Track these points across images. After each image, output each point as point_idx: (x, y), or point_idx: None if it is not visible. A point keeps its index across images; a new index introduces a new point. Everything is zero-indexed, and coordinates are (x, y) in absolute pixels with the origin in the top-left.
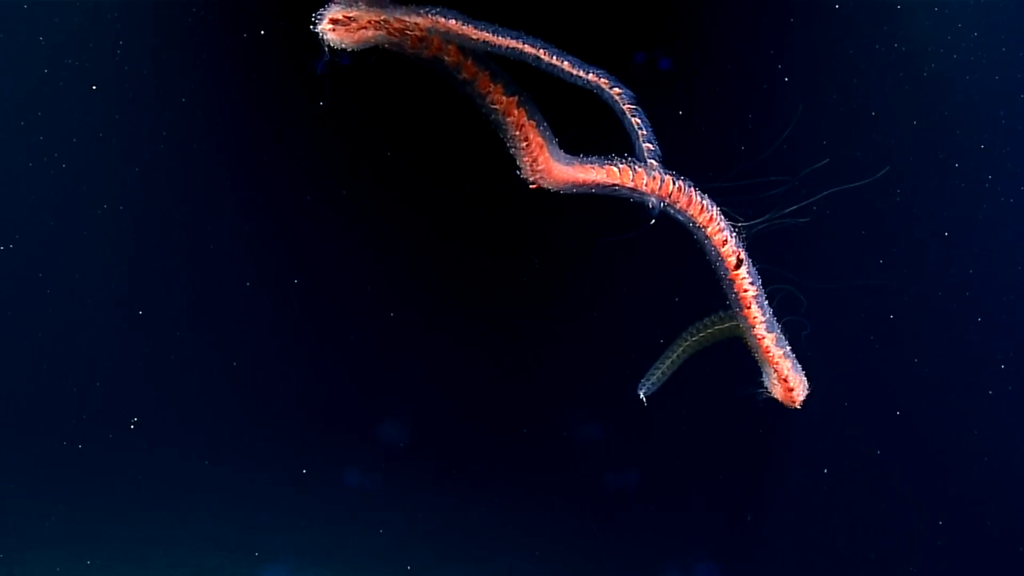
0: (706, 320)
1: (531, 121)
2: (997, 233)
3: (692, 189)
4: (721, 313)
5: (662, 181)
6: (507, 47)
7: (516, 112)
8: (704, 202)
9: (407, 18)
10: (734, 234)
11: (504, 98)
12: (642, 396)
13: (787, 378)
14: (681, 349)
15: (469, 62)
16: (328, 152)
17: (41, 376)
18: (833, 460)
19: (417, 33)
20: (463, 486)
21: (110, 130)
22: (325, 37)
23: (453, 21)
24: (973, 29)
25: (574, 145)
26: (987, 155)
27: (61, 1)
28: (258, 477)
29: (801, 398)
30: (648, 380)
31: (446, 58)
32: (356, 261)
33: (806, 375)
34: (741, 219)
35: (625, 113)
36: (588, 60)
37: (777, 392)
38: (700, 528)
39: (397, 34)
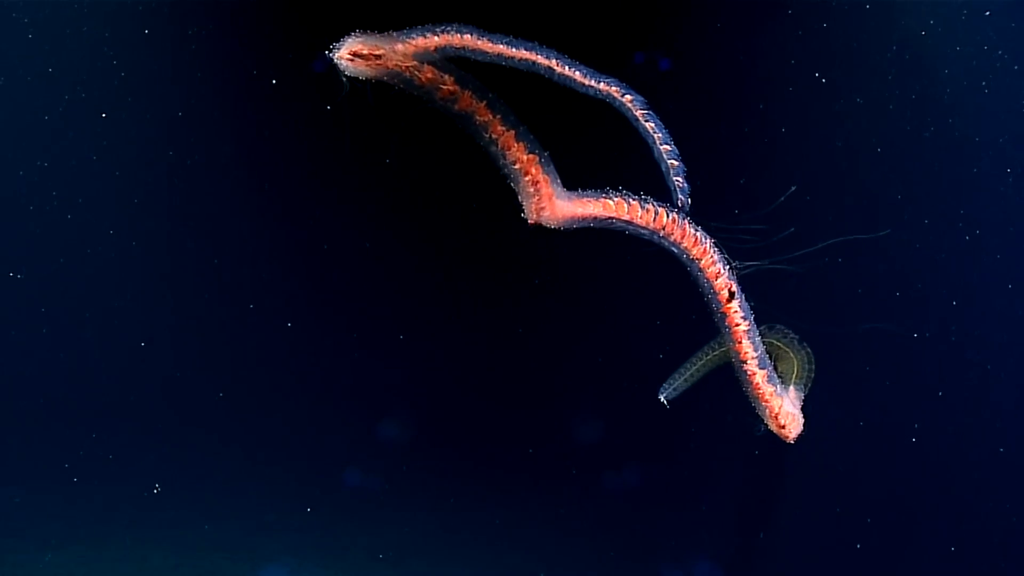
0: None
1: (546, 176)
2: (1007, 277)
3: (686, 221)
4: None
5: (656, 213)
6: (521, 59)
7: (534, 170)
8: (697, 234)
9: (438, 69)
10: (727, 267)
11: (525, 156)
12: (663, 400)
13: (778, 415)
14: (708, 358)
15: (497, 120)
16: (329, 157)
17: (43, 379)
18: (835, 463)
19: (448, 87)
20: (463, 486)
21: (111, 156)
22: (341, 65)
23: (468, 36)
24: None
25: (581, 163)
26: (1000, 195)
27: (61, 31)
28: (258, 477)
29: (794, 435)
30: (671, 384)
31: (476, 116)
32: (358, 266)
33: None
34: (737, 262)
35: (639, 119)
36: (588, 60)
37: (771, 426)
38: (700, 528)
39: (427, 84)
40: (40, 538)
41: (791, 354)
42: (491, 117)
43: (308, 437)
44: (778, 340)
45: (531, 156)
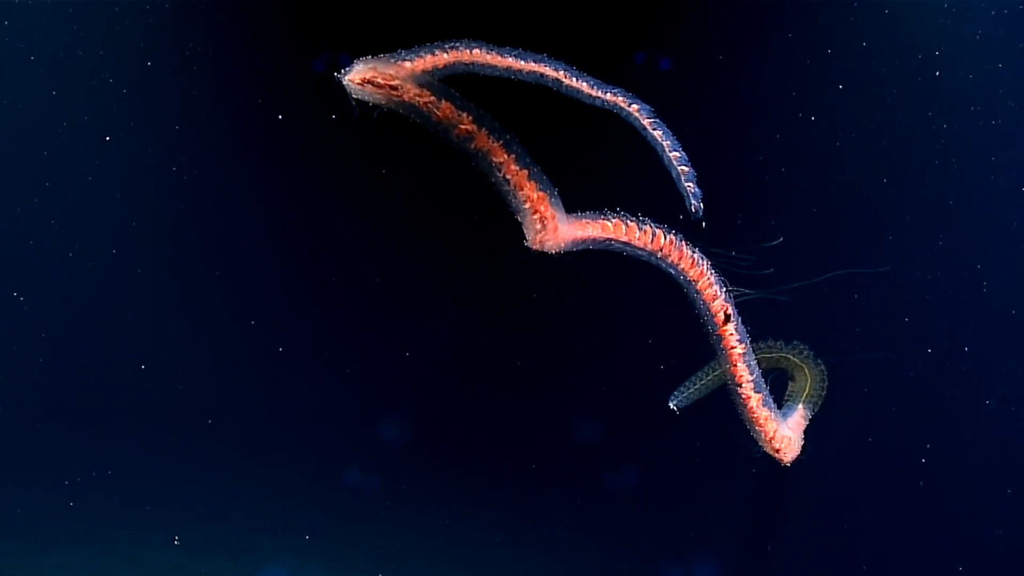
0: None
1: (553, 212)
2: (1013, 302)
3: (683, 243)
4: (769, 342)
5: (654, 235)
6: (529, 71)
7: (543, 207)
8: (695, 256)
9: (456, 106)
10: (723, 290)
11: (536, 195)
12: (673, 407)
13: (772, 439)
14: (720, 371)
15: (511, 160)
16: (329, 170)
17: (44, 380)
18: (834, 463)
19: (466, 126)
20: (463, 486)
21: (110, 176)
22: (351, 90)
23: (477, 51)
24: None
25: (587, 170)
26: (1009, 225)
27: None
28: (258, 478)
29: (790, 458)
30: (681, 392)
31: (491, 156)
32: (359, 267)
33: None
34: (733, 287)
35: (646, 128)
36: (588, 60)
37: (767, 449)
38: (700, 528)
39: (443, 120)
40: (43, 540)
41: (805, 370)
42: (506, 157)
43: (308, 437)
44: (793, 355)
45: (541, 194)
